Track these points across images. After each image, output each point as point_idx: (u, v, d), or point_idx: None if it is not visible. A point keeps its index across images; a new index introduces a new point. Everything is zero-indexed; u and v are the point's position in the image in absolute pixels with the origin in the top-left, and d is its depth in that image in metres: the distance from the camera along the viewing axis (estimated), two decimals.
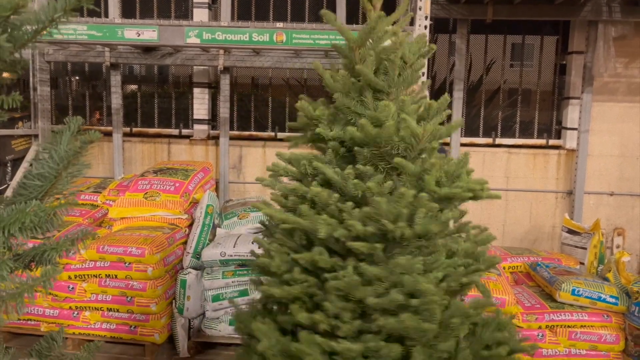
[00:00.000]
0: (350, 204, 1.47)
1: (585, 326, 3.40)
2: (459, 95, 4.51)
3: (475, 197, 1.57)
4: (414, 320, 1.38)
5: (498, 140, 4.72)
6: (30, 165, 0.85)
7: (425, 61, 1.73)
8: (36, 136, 4.47)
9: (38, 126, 4.43)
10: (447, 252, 1.56)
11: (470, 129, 4.80)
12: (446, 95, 1.72)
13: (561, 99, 4.78)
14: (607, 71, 4.30)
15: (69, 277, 3.55)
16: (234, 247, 3.59)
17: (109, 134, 4.72)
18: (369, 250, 1.43)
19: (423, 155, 1.60)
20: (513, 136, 4.80)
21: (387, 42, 1.76)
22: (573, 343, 3.39)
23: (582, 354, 3.41)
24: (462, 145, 4.61)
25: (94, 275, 3.54)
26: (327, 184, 1.56)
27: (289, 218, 1.52)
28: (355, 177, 1.52)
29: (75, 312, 3.58)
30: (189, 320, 3.63)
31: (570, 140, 4.62)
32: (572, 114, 4.60)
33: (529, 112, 4.90)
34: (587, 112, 4.45)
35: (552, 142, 4.71)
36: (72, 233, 0.83)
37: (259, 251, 1.74)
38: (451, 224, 1.53)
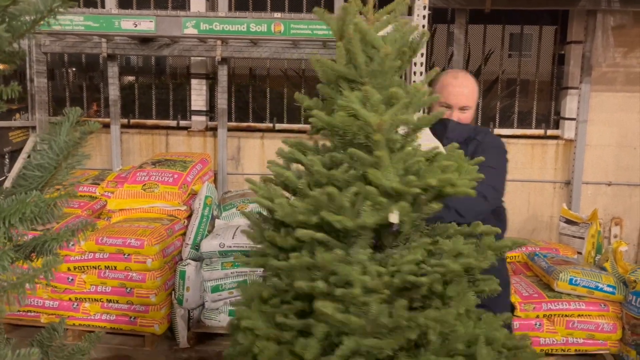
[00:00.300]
0: (319, 190, 1.48)
1: (582, 315, 3.42)
2: None
3: (442, 194, 1.55)
4: (334, 309, 1.40)
5: (497, 131, 4.71)
6: (29, 156, 0.84)
7: (414, 48, 1.70)
8: (34, 128, 4.46)
9: (35, 118, 4.41)
10: (429, 251, 1.54)
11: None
12: (420, 84, 1.71)
13: (559, 89, 4.77)
14: (605, 61, 4.29)
15: (68, 269, 3.56)
16: (233, 238, 3.60)
17: (106, 126, 4.71)
18: (311, 238, 1.47)
19: (409, 147, 1.59)
20: (511, 126, 4.80)
21: (383, 32, 1.76)
22: (570, 332, 3.41)
23: (579, 342, 3.44)
24: None
25: (93, 267, 3.55)
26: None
27: (259, 199, 1.60)
28: (333, 164, 1.59)
29: (75, 304, 3.59)
30: (189, 311, 3.64)
31: (568, 130, 4.63)
32: (570, 104, 4.60)
33: (527, 103, 4.89)
34: (586, 102, 4.45)
35: (550, 132, 4.72)
36: (73, 224, 0.83)
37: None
38: (393, 217, 1.49)
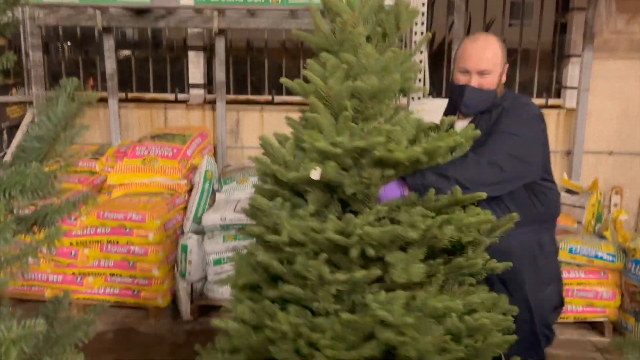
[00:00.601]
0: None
1: (581, 284, 3.46)
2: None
3: (383, 162, 1.59)
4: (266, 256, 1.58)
5: None
6: (28, 130, 0.83)
7: (397, 15, 1.70)
8: (30, 103, 4.42)
9: (32, 92, 4.37)
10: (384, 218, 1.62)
11: None
12: (405, 50, 1.73)
13: (561, 58, 4.71)
14: (608, 28, 4.22)
15: (71, 244, 3.58)
16: (234, 211, 3.61)
17: (104, 100, 4.67)
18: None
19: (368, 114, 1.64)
20: None
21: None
22: (570, 300, 3.45)
23: (578, 310, 3.48)
24: None
25: (95, 241, 3.57)
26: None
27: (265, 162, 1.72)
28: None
29: (79, 278, 3.62)
30: (191, 284, 3.67)
31: (569, 99, 4.59)
32: (572, 73, 4.55)
33: (528, 72, 4.83)
34: (588, 70, 4.40)
35: (551, 101, 4.67)
36: (74, 196, 0.83)
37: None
38: (315, 175, 1.62)
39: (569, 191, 4.24)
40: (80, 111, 0.77)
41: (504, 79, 2.08)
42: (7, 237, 0.67)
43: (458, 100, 2.04)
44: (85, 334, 1.07)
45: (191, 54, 4.74)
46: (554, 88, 4.74)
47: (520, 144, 1.91)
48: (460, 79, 2.04)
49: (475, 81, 2.01)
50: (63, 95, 0.85)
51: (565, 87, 4.62)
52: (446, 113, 2.17)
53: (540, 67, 4.73)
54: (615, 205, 4.61)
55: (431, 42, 4.82)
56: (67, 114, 0.76)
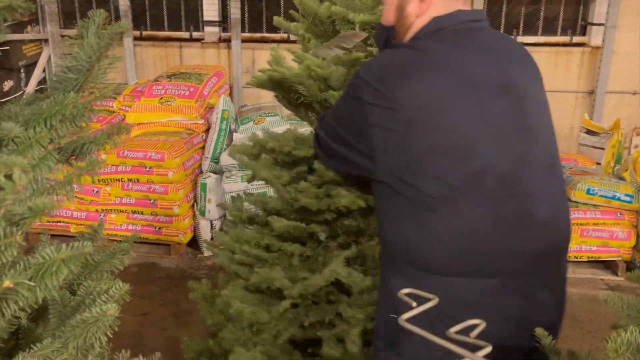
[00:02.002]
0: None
1: (597, 224, 3.48)
2: None
3: None
4: None
5: (520, 39, 4.54)
6: (44, 70, 0.84)
7: None
8: (46, 40, 4.39)
9: (47, 30, 4.33)
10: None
11: (492, 27, 4.60)
12: None
13: None
14: None
15: (93, 181, 3.65)
16: None
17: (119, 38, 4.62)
18: None
19: None
20: (535, 34, 4.62)
21: None
22: (584, 240, 3.48)
23: (592, 250, 3.52)
24: None
25: (116, 180, 3.64)
26: None
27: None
28: None
29: (102, 215, 3.72)
30: (211, 221, 3.76)
31: (595, 37, 4.44)
32: (599, 9, 4.38)
33: (553, 8, 4.66)
34: (615, 5, 4.22)
35: (576, 39, 4.53)
36: (107, 127, 0.85)
37: None
38: None
39: (589, 132, 4.19)
40: (113, 41, 0.78)
41: (418, 12, 1.28)
42: (50, 165, 0.70)
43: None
44: (121, 261, 1.11)
45: None
46: (580, 25, 4.58)
47: (329, 117, 1.38)
48: None
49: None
50: (92, 27, 0.85)
51: (591, 24, 4.46)
52: None
53: (566, 2, 4.56)
54: (636, 146, 4.55)
55: None
56: (100, 44, 0.77)
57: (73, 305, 0.89)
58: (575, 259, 3.56)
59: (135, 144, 3.69)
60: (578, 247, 3.50)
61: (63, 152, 0.81)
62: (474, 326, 0.83)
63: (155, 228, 3.71)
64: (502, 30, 4.61)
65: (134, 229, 3.74)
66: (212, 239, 3.77)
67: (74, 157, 0.83)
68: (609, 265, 3.60)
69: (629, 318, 0.94)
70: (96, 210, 3.71)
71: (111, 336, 0.86)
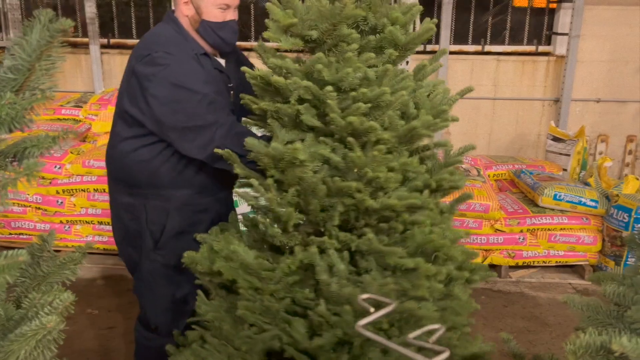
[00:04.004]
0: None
1: (564, 229, 3.53)
2: (448, 0, 4.35)
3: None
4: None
5: (487, 48, 4.62)
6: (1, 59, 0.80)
7: None
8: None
9: (10, 37, 4.23)
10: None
11: (459, 37, 4.68)
12: (417, 5, 1.56)
13: (553, 3, 4.64)
14: None
15: (57, 192, 3.55)
16: None
17: (85, 46, 4.54)
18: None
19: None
20: (502, 43, 4.70)
21: None
22: (552, 245, 3.53)
23: (560, 255, 3.57)
24: (451, 53, 4.51)
25: (82, 190, 3.54)
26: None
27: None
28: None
29: (67, 226, 3.62)
30: None
31: (560, 46, 4.54)
32: (563, 19, 4.49)
33: (519, 18, 4.76)
34: (579, 16, 4.33)
35: (541, 48, 4.63)
36: (52, 130, 0.81)
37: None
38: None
39: (555, 139, 4.27)
40: (54, 39, 0.74)
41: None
42: None
43: (218, 38, 1.85)
44: (72, 272, 1.07)
45: None
46: (545, 34, 4.68)
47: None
48: (219, 15, 1.83)
49: (234, 16, 1.89)
50: (37, 26, 0.81)
51: (556, 34, 4.56)
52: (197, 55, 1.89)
53: (531, 12, 4.66)
54: (601, 152, 4.66)
55: None
56: (41, 43, 0.73)
57: (17, 319, 0.84)
58: (544, 264, 3.61)
59: (101, 153, 3.59)
60: (546, 252, 3.55)
61: (3, 156, 0.77)
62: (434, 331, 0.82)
63: None
64: (470, 39, 4.68)
65: (101, 240, 3.64)
66: None
67: (15, 162, 0.79)
68: (576, 270, 3.65)
69: (589, 320, 0.94)
70: (60, 221, 3.61)
71: (59, 349, 0.81)
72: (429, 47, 4.60)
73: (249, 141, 1.52)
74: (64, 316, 0.77)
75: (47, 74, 0.76)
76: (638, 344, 0.72)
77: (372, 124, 1.34)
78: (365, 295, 0.84)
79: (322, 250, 1.41)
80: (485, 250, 3.52)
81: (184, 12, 1.86)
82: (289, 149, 1.36)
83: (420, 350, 0.74)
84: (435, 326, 0.81)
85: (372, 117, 1.40)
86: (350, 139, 1.37)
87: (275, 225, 1.48)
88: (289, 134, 1.47)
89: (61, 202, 3.56)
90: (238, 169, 1.59)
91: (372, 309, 0.80)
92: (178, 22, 1.88)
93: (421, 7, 1.57)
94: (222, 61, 1.97)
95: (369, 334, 0.74)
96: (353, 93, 1.36)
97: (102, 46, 4.62)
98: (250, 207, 1.61)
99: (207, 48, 1.89)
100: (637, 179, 3.54)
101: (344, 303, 1.29)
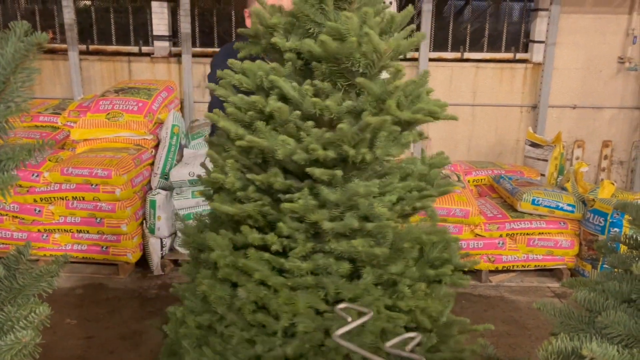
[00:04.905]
0: (310, 122, 1.39)
1: (543, 233, 3.58)
2: (428, 7, 4.40)
3: (434, 119, 1.53)
4: (366, 244, 1.38)
5: (466, 55, 4.68)
6: None
7: None
8: None
9: None
10: (401, 175, 1.54)
11: (438, 44, 4.73)
12: (410, 7, 1.60)
13: (530, 11, 4.72)
14: None
15: (35, 200, 3.50)
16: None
17: (64, 52, 4.49)
18: (329, 177, 1.38)
19: (382, 73, 1.54)
20: (481, 50, 4.77)
21: None
22: (531, 249, 3.58)
23: (538, 259, 3.62)
24: (431, 60, 4.56)
25: (60, 198, 3.50)
26: (283, 99, 1.44)
27: (246, 135, 1.43)
28: (313, 93, 1.43)
29: (45, 235, 3.57)
30: (161, 239, 3.66)
31: (537, 53, 4.62)
32: (540, 27, 4.57)
33: (498, 25, 4.84)
34: (555, 24, 4.42)
35: (519, 55, 4.70)
36: (28, 143, 0.80)
37: (211, 165, 1.71)
38: (411, 146, 1.49)
39: (533, 144, 4.34)
40: (29, 53, 0.74)
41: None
42: None
43: None
44: (49, 284, 1.06)
45: (154, 5, 4.56)
46: (522, 42, 4.76)
47: None
48: None
49: None
50: (13, 38, 0.81)
51: (533, 41, 4.64)
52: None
53: (509, 20, 4.74)
54: (577, 158, 4.74)
55: None
56: (16, 56, 0.73)
57: None
58: (523, 268, 3.66)
59: (80, 160, 3.56)
60: (525, 256, 3.60)
61: None
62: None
63: (102, 247, 3.59)
64: (449, 46, 4.73)
65: (80, 248, 3.60)
66: (162, 257, 3.67)
67: None
68: (554, 273, 3.71)
69: (561, 325, 0.96)
70: (38, 230, 3.56)
71: None
72: (409, 55, 4.64)
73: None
74: (39, 329, 0.76)
75: (23, 86, 0.75)
76: (607, 349, 0.74)
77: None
78: (342, 305, 0.85)
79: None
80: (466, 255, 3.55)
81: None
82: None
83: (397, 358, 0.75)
84: (412, 334, 0.83)
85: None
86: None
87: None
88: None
89: (39, 211, 3.51)
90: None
91: (349, 318, 0.81)
92: None
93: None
94: None
95: (345, 344, 0.74)
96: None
97: (81, 52, 4.57)
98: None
99: None
100: (613, 184, 3.61)
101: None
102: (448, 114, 1.56)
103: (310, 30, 1.46)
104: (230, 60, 1.54)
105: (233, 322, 1.48)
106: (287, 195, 1.42)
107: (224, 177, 1.51)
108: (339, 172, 1.38)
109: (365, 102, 1.41)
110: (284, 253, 1.45)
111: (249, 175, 1.47)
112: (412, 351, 0.81)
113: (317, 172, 1.37)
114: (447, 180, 1.58)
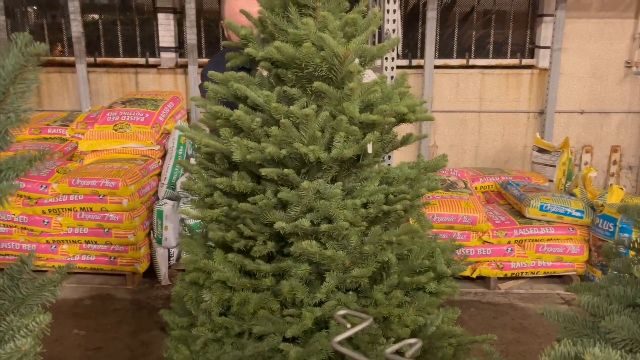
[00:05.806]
0: (275, 128, 1.39)
1: (551, 239, 3.55)
2: (432, 15, 4.41)
3: (404, 120, 1.52)
4: (319, 246, 1.38)
5: (472, 62, 4.68)
6: None
7: None
8: None
9: None
10: (382, 179, 1.53)
11: (444, 51, 4.74)
12: (376, 9, 1.56)
13: (535, 17, 4.72)
14: None
15: (43, 212, 3.53)
16: None
17: (72, 65, 4.54)
18: (279, 175, 1.39)
19: (366, 76, 1.55)
20: (487, 57, 4.77)
21: None
22: (540, 255, 3.55)
23: (547, 265, 3.59)
24: (436, 67, 4.57)
25: (68, 209, 3.52)
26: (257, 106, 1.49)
27: (209, 142, 1.48)
28: (287, 99, 1.46)
29: (53, 246, 3.59)
30: (169, 249, 3.67)
31: (543, 59, 4.61)
32: (545, 32, 4.56)
33: (503, 32, 4.83)
34: (560, 29, 4.41)
35: (525, 61, 4.70)
36: (28, 153, 0.81)
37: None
38: (370, 148, 1.45)
39: (540, 150, 4.32)
40: (29, 64, 0.75)
41: None
42: None
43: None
44: (52, 293, 1.06)
45: (161, 17, 4.61)
46: (528, 48, 4.76)
47: None
48: None
49: None
50: (14, 50, 0.82)
51: (538, 47, 4.64)
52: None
53: (514, 27, 4.74)
54: (586, 163, 4.71)
55: (405, 4, 4.76)
56: (16, 67, 0.74)
57: None
58: (532, 275, 3.62)
59: (88, 172, 3.59)
60: (534, 262, 3.57)
61: None
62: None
63: (110, 258, 3.60)
64: (454, 53, 4.74)
65: (88, 259, 3.62)
66: (170, 267, 3.68)
67: None
68: (564, 280, 3.67)
69: (565, 331, 0.95)
70: (47, 241, 3.58)
71: None
72: (415, 62, 4.65)
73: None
74: (39, 338, 0.76)
75: (22, 97, 0.76)
76: (610, 354, 0.73)
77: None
78: (342, 312, 0.84)
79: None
80: (474, 262, 3.53)
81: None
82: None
83: None
84: (412, 340, 0.82)
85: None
86: None
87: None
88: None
89: (47, 222, 3.54)
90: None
91: (348, 325, 0.80)
92: None
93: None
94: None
95: (344, 350, 0.74)
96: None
97: (89, 65, 4.62)
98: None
99: None
100: (622, 189, 3.57)
101: None
102: (429, 115, 1.55)
103: (279, 38, 1.48)
104: (210, 72, 1.57)
105: (203, 323, 1.51)
106: (251, 198, 1.45)
107: (193, 183, 1.56)
108: (289, 172, 1.39)
109: (326, 105, 1.44)
110: (250, 256, 1.48)
111: (211, 180, 1.51)
112: (414, 357, 0.80)
113: (267, 171, 1.40)
114: (433, 183, 1.55)
